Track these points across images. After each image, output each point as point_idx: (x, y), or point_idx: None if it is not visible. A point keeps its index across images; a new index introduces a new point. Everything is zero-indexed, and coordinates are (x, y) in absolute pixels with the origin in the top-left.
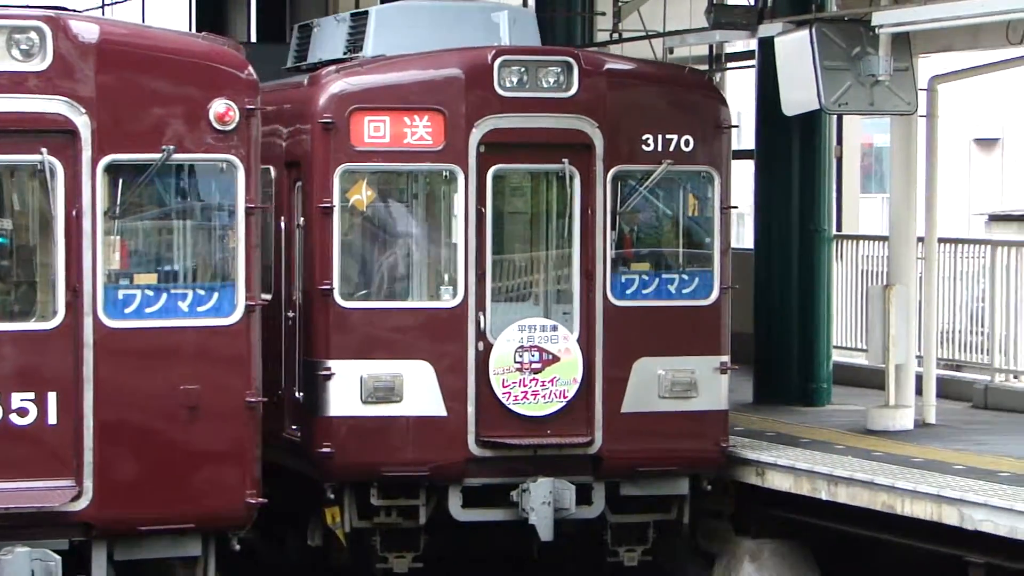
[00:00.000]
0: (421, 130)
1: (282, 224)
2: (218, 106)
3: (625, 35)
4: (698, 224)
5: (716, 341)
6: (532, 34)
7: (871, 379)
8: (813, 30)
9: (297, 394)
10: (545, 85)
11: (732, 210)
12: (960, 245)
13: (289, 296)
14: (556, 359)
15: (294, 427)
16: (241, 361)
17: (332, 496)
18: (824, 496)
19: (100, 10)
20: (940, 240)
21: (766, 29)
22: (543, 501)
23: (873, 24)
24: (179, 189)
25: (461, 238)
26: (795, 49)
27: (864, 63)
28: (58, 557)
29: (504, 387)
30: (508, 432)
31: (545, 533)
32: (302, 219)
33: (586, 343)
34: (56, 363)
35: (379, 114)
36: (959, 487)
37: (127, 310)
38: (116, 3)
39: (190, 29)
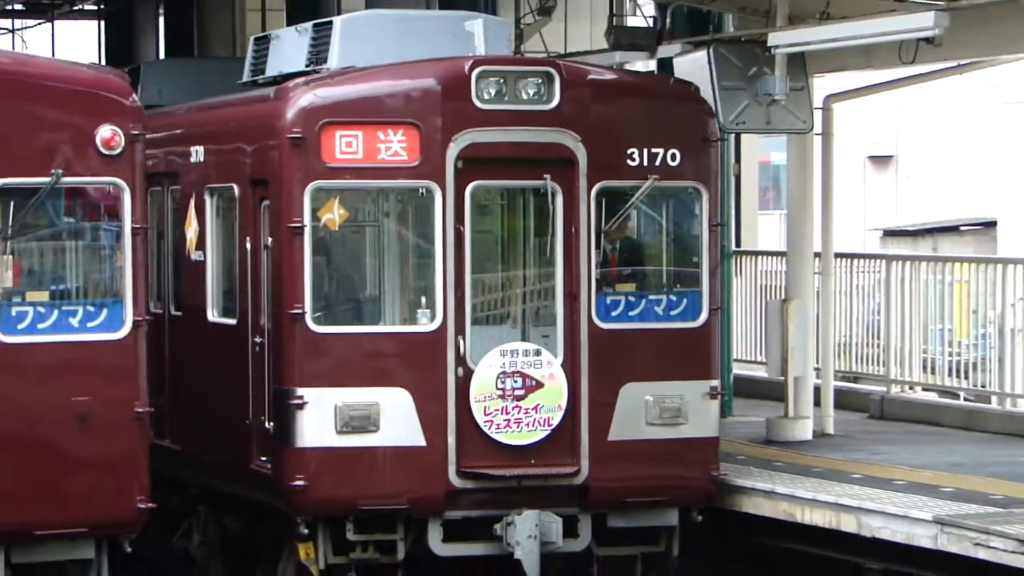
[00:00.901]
0: (396, 145)
1: (247, 245)
2: (104, 132)
3: (527, 56)
4: (686, 242)
5: (706, 365)
6: (505, 45)
7: (771, 391)
8: (711, 51)
9: (267, 424)
10: (525, 97)
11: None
12: (856, 260)
13: (256, 321)
14: (540, 385)
15: (263, 458)
16: (129, 374)
17: (306, 531)
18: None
19: (10, 34)
20: (836, 255)
21: (665, 50)
22: (529, 535)
23: (769, 45)
24: (69, 211)
25: (439, 258)
26: (693, 69)
27: (761, 83)
28: None
29: (486, 415)
30: (490, 462)
31: (531, 569)
32: (270, 240)
33: (571, 368)
34: None
35: (351, 128)
36: (857, 495)
37: (20, 326)
38: (26, 28)
39: (100, 53)
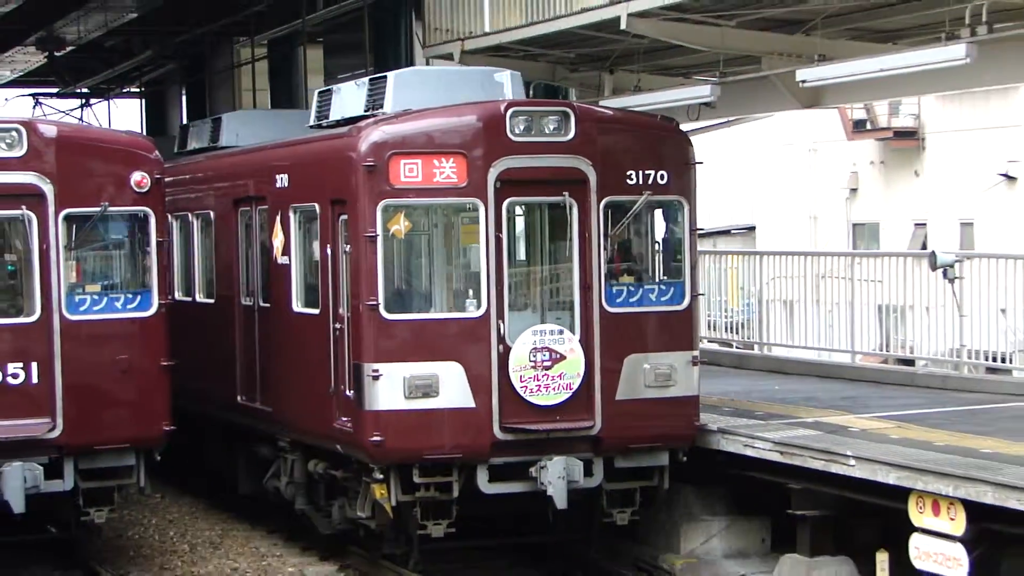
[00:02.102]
0: (447, 170)
1: (328, 251)
2: (136, 176)
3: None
4: (672, 244)
5: (689, 339)
6: (521, 93)
7: None
8: None
9: (347, 392)
10: (547, 131)
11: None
12: None
13: (336, 311)
14: (563, 357)
15: (344, 419)
16: (156, 340)
17: (380, 476)
18: None
19: (80, 110)
20: None
21: None
22: (559, 476)
23: None
24: (113, 230)
25: (483, 259)
26: None
27: None
28: (40, 467)
29: (521, 382)
30: (525, 419)
31: (561, 502)
32: (348, 246)
33: (586, 344)
34: (36, 344)
35: (412, 157)
36: None
37: (81, 308)
38: (89, 105)
39: (142, 121)
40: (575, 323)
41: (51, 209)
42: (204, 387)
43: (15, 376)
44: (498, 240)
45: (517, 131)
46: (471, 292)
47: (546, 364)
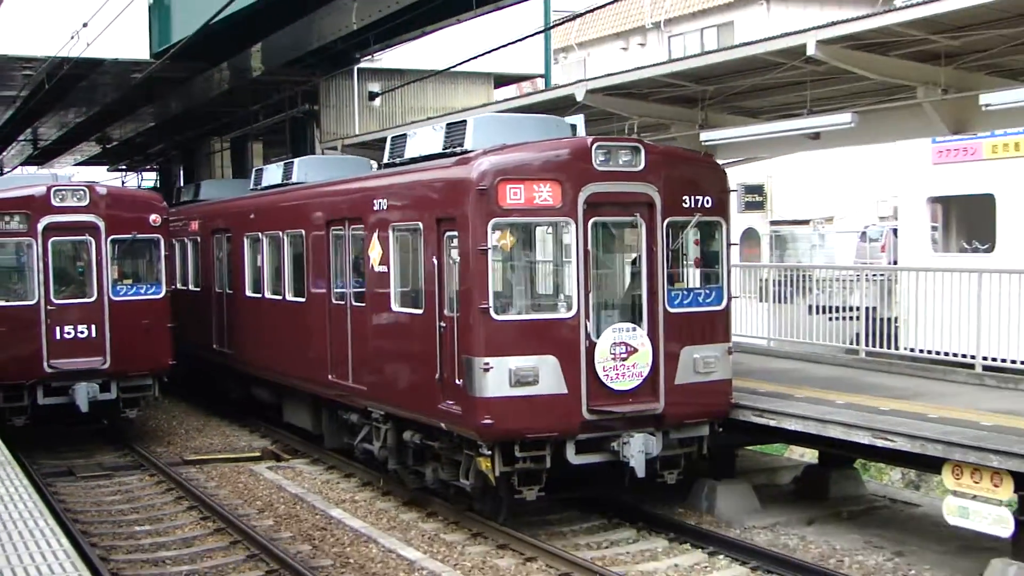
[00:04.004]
0: (545, 193)
1: (434, 261)
2: (152, 216)
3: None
4: (713, 255)
5: (726, 333)
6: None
7: None
8: None
9: (456, 380)
10: (622, 162)
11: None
12: None
13: (441, 311)
14: (636, 350)
15: (450, 402)
16: (165, 311)
17: (488, 452)
18: None
19: (121, 181)
20: None
21: None
22: (639, 450)
23: None
24: (138, 248)
25: (573, 268)
26: None
27: None
28: (97, 385)
29: (604, 371)
30: (607, 402)
31: (640, 471)
32: (457, 258)
33: (653, 338)
34: (94, 314)
35: (516, 183)
36: None
37: (120, 293)
38: (124, 178)
39: (157, 183)
40: (644, 321)
41: (103, 236)
42: (290, 366)
43: (83, 333)
44: (586, 253)
45: (599, 161)
46: (563, 296)
47: (623, 356)
